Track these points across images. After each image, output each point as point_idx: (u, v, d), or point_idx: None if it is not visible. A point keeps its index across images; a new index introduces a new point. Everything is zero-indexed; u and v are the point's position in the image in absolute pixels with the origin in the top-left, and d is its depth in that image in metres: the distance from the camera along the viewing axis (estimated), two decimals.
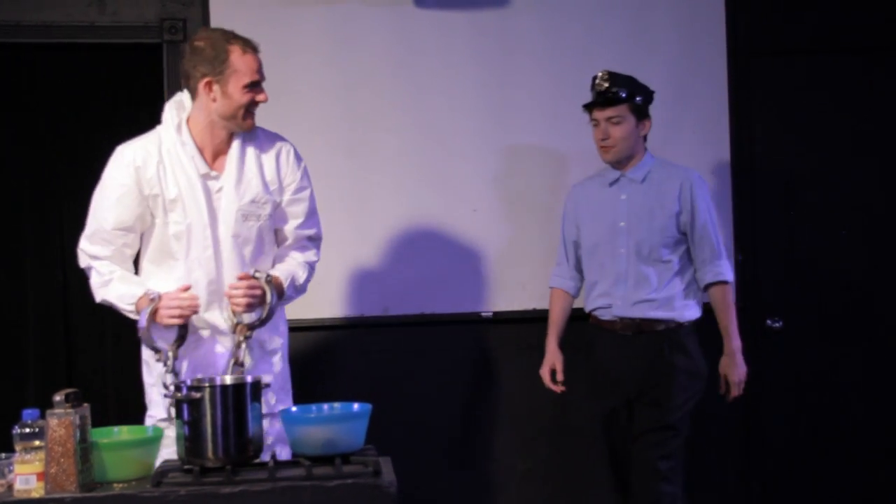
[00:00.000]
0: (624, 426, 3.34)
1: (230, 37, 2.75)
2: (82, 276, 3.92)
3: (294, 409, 2.61)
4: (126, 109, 3.96)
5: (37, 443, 2.23)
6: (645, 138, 3.39)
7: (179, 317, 2.65)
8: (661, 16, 4.03)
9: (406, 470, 2.62)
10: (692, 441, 3.40)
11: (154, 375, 2.82)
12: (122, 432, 2.47)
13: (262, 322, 2.72)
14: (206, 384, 2.41)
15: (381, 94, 3.89)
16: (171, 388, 2.44)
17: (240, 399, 2.38)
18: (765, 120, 4.17)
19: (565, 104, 3.86)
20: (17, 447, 2.24)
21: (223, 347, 2.79)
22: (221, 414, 2.34)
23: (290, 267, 2.89)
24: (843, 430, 4.15)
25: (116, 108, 3.96)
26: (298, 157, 2.93)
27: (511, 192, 3.95)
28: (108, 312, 3.89)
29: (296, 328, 3.24)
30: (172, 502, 2.23)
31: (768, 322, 4.13)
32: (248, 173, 2.81)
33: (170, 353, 2.61)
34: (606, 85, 3.32)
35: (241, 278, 2.70)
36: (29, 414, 2.25)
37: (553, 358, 3.44)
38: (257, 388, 2.44)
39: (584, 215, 3.44)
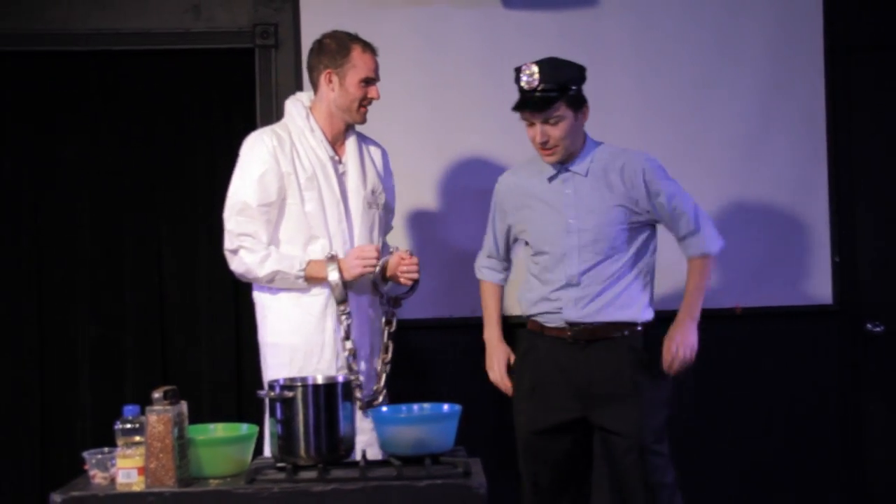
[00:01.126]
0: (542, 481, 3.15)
1: (353, 37, 3.05)
2: (178, 276, 4.07)
3: (384, 409, 2.64)
4: (219, 112, 4.05)
5: (137, 438, 2.30)
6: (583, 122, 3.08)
7: (373, 265, 2.91)
8: (751, 16, 3.94)
9: (494, 472, 2.61)
10: (790, 451, 3.29)
11: (286, 355, 2.95)
12: (218, 430, 2.53)
13: (411, 293, 3.06)
14: (299, 384, 2.45)
15: (469, 95, 3.90)
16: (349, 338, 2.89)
17: (331, 398, 2.41)
18: (864, 117, 4.04)
19: (652, 107, 3.82)
20: (119, 442, 2.31)
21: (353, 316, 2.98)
22: (314, 413, 2.38)
23: None
24: None
25: (210, 112, 4.06)
26: None
27: None
28: (204, 314, 4.02)
29: None
30: (266, 499, 2.26)
31: (868, 326, 4.01)
32: (367, 164, 3.08)
33: (348, 308, 2.91)
34: (535, 81, 2.98)
35: (403, 256, 3.00)
36: (130, 410, 2.33)
37: (505, 350, 3.26)
38: (349, 387, 2.47)
39: (526, 214, 3.14)
